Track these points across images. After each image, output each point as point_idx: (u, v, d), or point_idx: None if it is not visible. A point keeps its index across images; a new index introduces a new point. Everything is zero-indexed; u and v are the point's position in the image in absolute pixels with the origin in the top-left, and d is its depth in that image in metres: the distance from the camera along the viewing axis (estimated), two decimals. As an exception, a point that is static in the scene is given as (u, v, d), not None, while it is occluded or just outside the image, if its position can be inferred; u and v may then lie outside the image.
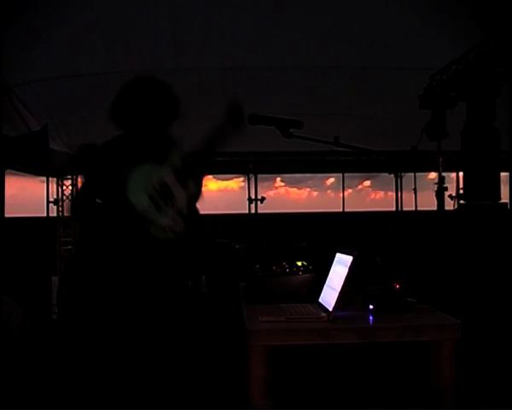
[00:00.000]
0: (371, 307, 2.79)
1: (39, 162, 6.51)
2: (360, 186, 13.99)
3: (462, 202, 5.14)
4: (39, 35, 5.57)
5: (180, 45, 5.94)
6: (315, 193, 15.01)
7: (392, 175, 9.81)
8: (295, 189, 15.20)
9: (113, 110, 2.76)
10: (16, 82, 6.23)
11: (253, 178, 9.71)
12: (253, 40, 5.98)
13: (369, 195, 14.52)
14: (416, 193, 9.28)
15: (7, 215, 6.08)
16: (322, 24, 5.73)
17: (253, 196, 9.36)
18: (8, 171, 6.30)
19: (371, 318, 2.73)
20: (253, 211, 9.26)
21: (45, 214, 9.01)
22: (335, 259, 2.96)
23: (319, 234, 8.70)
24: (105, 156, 2.65)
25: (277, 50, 6.13)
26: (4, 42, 5.01)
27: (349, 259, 2.69)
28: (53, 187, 8.87)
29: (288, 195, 15.06)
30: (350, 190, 12.35)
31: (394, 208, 9.96)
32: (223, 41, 5.94)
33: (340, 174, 10.73)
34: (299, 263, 3.35)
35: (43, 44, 5.68)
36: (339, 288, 2.66)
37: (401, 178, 9.76)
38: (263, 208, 9.19)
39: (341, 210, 10.75)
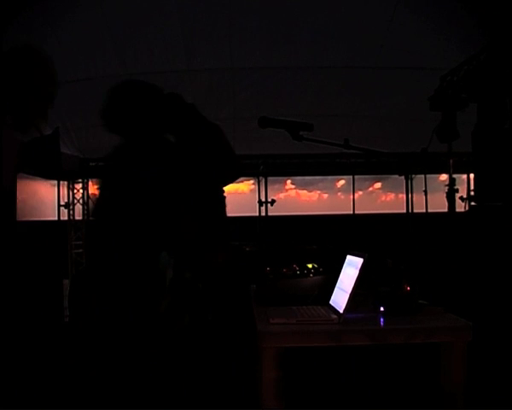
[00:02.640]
0: (382, 309, 2.78)
1: (50, 166, 6.54)
2: (371, 188, 13.92)
3: (473, 203, 5.12)
4: (49, 38, 5.60)
5: (191, 47, 5.96)
6: (325, 195, 14.92)
7: (403, 177, 9.77)
8: (305, 191, 15.12)
9: (104, 115, 2.78)
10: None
11: (263, 181, 9.71)
12: (262, 41, 5.99)
13: (380, 197, 14.43)
14: (426, 195, 9.23)
15: (18, 219, 6.12)
16: (332, 25, 5.74)
17: (263, 199, 9.36)
18: (19, 174, 6.33)
19: (382, 320, 2.72)
20: (263, 213, 9.26)
21: (56, 218, 9.05)
22: (346, 261, 2.95)
23: (330, 236, 8.67)
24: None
25: (287, 51, 6.14)
26: (14, 45, 5.04)
27: (360, 261, 2.68)
28: (64, 190, 8.93)
29: (298, 197, 14.98)
30: (360, 192, 12.29)
31: (405, 210, 9.92)
32: (233, 42, 5.96)
33: (351, 176, 10.67)
34: (310, 265, 3.35)
35: (53, 48, 5.70)
36: (349, 290, 2.65)
37: (412, 179, 9.72)
38: (273, 211, 9.17)
39: (352, 212, 10.70)
